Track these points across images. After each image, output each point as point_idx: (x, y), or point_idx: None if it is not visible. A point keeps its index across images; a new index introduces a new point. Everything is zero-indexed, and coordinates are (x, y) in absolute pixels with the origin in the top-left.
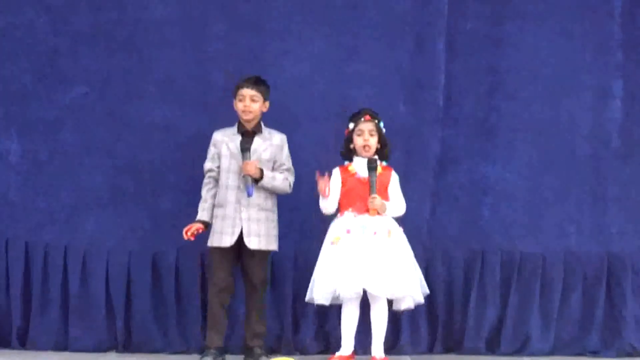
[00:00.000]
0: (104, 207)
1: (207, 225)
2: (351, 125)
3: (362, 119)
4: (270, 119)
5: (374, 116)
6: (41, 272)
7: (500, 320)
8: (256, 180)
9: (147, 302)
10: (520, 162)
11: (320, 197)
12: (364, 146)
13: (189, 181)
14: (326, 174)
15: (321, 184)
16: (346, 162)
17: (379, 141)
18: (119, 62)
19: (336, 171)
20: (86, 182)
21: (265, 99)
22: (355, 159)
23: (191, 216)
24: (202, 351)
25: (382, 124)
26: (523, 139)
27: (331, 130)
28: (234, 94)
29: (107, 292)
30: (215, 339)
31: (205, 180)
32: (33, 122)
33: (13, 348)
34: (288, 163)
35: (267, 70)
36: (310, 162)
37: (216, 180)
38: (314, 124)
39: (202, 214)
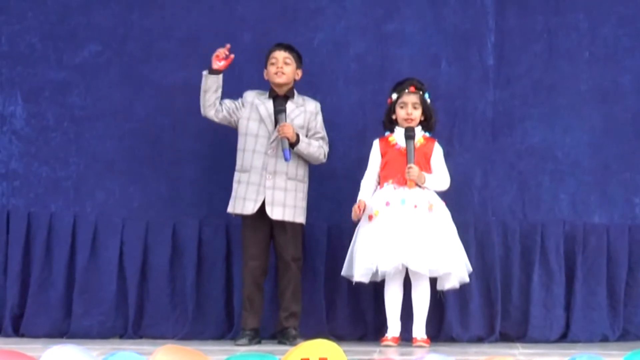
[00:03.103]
0: (117, 174)
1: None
2: (394, 96)
3: (406, 90)
4: (304, 82)
5: (419, 87)
6: (44, 245)
7: (568, 302)
8: (291, 145)
9: (165, 278)
10: (582, 126)
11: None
12: (407, 119)
13: (212, 147)
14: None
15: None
16: (387, 133)
17: (424, 113)
18: (138, 19)
19: (375, 144)
20: (97, 148)
21: (297, 66)
22: (397, 129)
23: (214, 184)
24: (221, 337)
25: (427, 95)
26: (584, 102)
27: (369, 94)
28: (265, 62)
29: (120, 265)
30: (250, 320)
31: None
32: (40, 84)
33: (5, 335)
34: (323, 132)
35: (300, 29)
36: (345, 128)
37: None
38: (350, 87)
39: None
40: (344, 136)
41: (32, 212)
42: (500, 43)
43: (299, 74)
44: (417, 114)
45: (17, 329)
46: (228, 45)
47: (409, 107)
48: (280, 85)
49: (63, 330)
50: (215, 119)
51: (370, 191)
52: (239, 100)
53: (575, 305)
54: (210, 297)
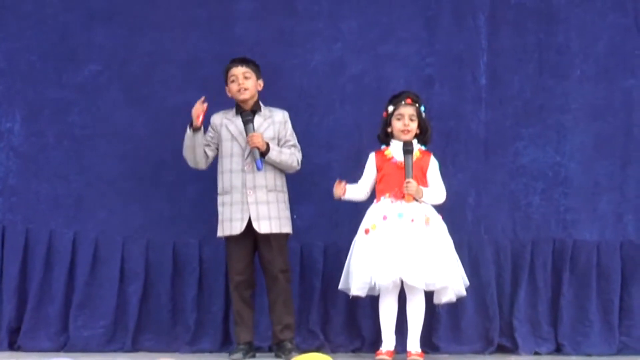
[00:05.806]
0: (119, 193)
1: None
2: (390, 108)
3: (403, 102)
4: (301, 103)
5: (415, 99)
6: (43, 261)
7: (555, 317)
8: (262, 154)
9: (166, 296)
10: (573, 145)
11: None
12: (403, 131)
13: (212, 168)
14: (344, 182)
15: (337, 189)
16: (383, 147)
17: (419, 126)
18: (138, 40)
19: (371, 156)
20: (98, 166)
21: (257, 77)
22: (393, 142)
23: (215, 204)
24: (218, 352)
25: (423, 108)
26: (575, 121)
27: (365, 114)
28: (225, 80)
29: (121, 282)
30: (243, 334)
31: None
32: (39, 102)
33: (1, 350)
34: (293, 139)
35: (297, 51)
36: (342, 148)
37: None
38: (347, 108)
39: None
40: (340, 157)
41: (30, 228)
42: (493, 63)
43: (260, 84)
44: (414, 126)
45: (13, 343)
46: (203, 97)
47: (406, 119)
48: (245, 101)
49: (60, 344)
50: (208, 164)
51: (357, 191)
52: (209, 128)
53: (563, 320)
54: (209, 314)
